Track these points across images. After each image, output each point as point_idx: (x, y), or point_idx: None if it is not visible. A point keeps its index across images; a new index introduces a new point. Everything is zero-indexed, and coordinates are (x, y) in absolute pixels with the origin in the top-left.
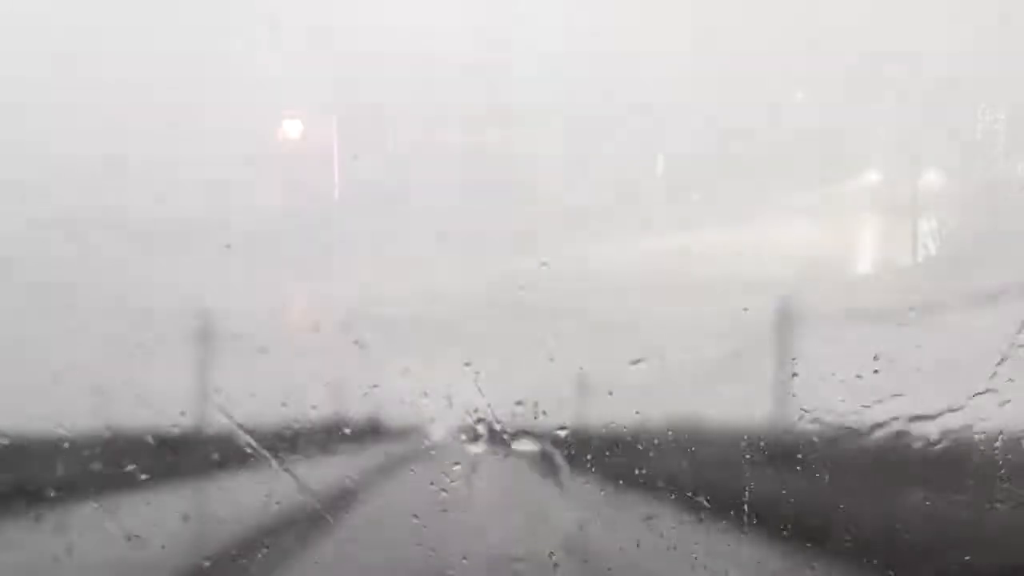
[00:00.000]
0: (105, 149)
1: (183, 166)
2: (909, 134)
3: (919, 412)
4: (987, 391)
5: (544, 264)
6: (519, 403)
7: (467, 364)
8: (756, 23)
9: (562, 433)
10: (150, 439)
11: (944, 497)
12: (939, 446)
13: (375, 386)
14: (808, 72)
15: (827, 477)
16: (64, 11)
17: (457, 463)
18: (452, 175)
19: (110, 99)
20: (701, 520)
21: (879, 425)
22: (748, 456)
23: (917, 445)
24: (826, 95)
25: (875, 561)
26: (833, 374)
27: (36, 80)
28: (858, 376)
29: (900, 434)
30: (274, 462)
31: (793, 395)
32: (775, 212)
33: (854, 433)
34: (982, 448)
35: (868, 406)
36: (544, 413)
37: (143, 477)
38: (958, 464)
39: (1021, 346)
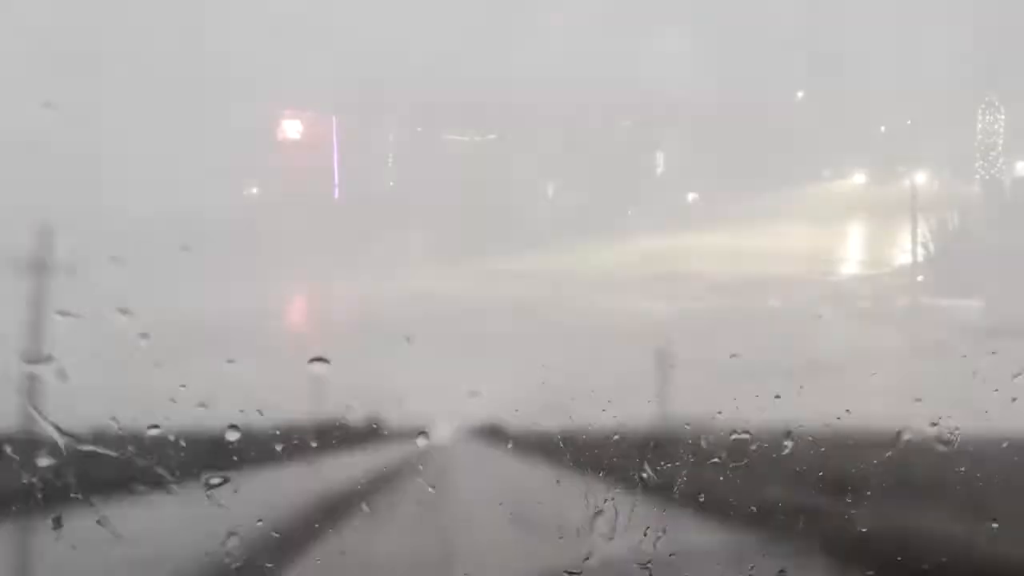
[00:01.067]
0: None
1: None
2: None
3: None
4: None
5: (545, 258)
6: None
7: (467, 358)
8: (754, 23)
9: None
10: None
11: None
12: None
13: (375, 379)
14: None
15: None
16: (62, 9)
17: (457, 454)
18: (452, 173)
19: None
20: None
21: None
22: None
23: None
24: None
25: None
26: None
27: (34, 78)
28: None
29: None
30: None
31: None
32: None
33: None
34: None
35: None
36: (544, 407)
37: None
38: None
39: None
